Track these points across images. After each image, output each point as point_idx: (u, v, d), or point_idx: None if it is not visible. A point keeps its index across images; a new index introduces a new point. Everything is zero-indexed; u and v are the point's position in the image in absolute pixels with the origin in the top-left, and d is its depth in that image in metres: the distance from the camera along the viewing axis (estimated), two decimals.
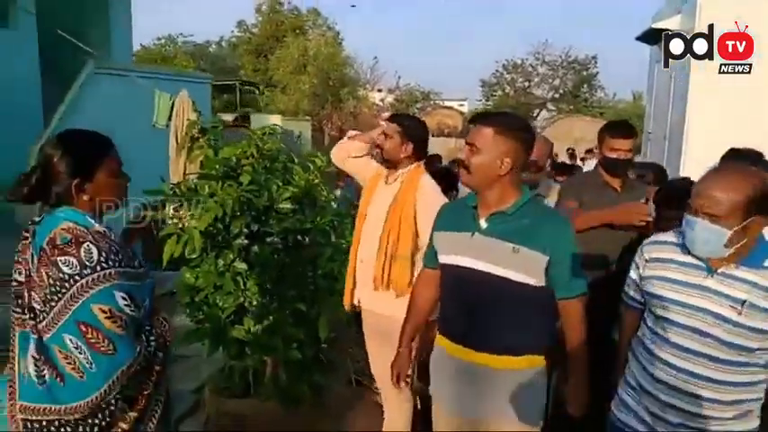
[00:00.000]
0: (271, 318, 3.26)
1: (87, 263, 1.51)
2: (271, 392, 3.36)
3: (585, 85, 31.75)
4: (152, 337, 1.67)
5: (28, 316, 1.55)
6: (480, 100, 34.19)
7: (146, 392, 1.66)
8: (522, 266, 1.89)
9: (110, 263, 1.54)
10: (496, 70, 32.65)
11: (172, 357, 1.77)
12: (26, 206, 1.73)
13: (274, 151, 3.51)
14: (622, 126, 2.97)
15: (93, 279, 1.51)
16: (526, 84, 32.41)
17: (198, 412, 3.45)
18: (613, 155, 2.86)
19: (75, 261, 1.50)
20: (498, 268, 1.91)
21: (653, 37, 9.35)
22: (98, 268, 1.52)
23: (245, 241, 3.30)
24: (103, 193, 1.66)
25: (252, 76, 25.21)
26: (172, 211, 3.28)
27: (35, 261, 1.55)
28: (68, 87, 4.09)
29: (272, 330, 3.23)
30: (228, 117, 14.33)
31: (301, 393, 3.30)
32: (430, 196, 2.60)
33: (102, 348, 1.50)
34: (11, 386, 1.62)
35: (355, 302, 2.83)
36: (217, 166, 3.35)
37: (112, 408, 1.59)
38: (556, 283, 1.93)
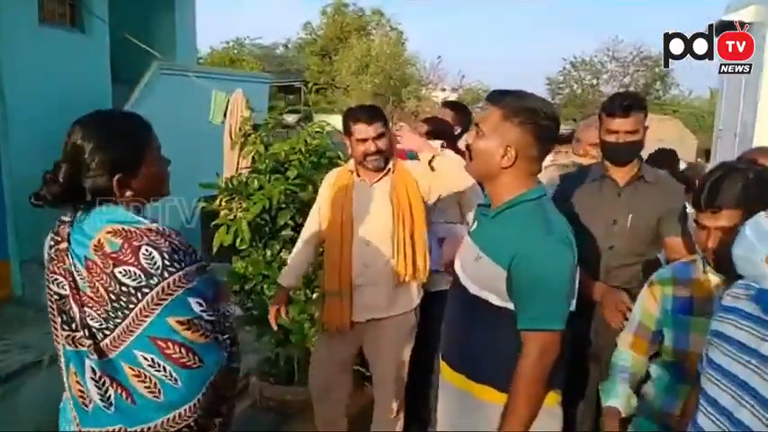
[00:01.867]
0: (314, 308, 3.34)
1: (151, 270, 1.28)
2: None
3: (658, 83, 30.39)
4: (224, 335, 1.42)
5: (81, 334, 1.33)
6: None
7: (229, 395, 1.47)
8: (480, 278, 1.60)
9: (175, 265, 1.31)
10: (563, 67, 31.82)
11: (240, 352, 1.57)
12: None
13: (321, 147, 3.64)
14: (620, 100, 2.31)
15: (162, 289, 1.29)
16: (594, 81, 31.38)
17: (244, 398, 3.63)
18: (611, 138, 2.27)
19: (136, 271, 1.27)
20: (464, 275, 1.67)
21: (726, 29, 8.89)
22: (165, 274, 1.29)
23: (292, 233, 3.44)
24: (148, 185, 1.42)
25: (317, 77, 25.71)
26: (223, 203, 3.48)
27: (83, 273, 1.31)
28: (135, 88, 4.39)
29: (314, 320, 3.33)
30: (293, 117, 14.70)
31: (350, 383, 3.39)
32: (425, 175, 2.56)
33: (188, 363, 1.30)
34: (70, 408, 1.42)
35: (361, 320, 2.59)
36: (266, 161, 3.53)
37: (199, 421, 1.37)
38: (515, 306, 1.56)
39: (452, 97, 28.44)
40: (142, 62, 4.82)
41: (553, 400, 1.65)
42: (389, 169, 2.58)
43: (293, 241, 3.48)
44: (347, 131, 2.55)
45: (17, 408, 3.18)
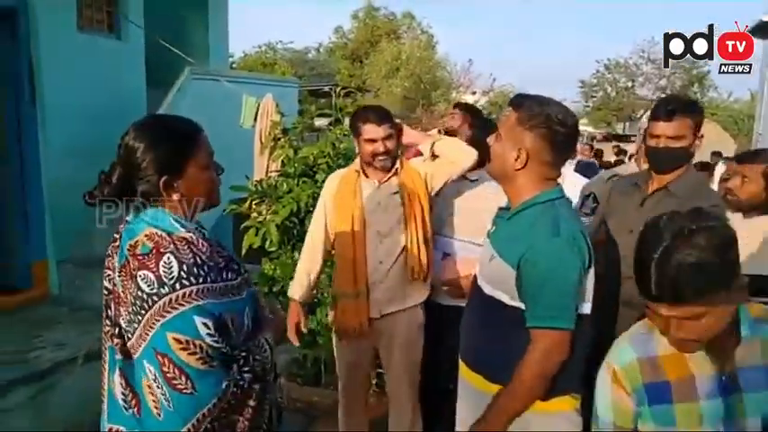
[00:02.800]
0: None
1: (165, 279, 1.26)
2: None
3: (696, 85, 29.67)
4: (246, 368, 1.36)
5: (114, 331, 1.36)
6: (578, 101, 32.86)
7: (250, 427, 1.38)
8: (493, 278, 1.66)
9: (191, 279, 1.28)
10: (597, 70, 31.35)
11: (275, 389, 1.51)
12: None
13: (349, 150, 3.65)
14: (665, 104, 2.17)
15: (169, 300, 1.26)
16: (629, 83, 30.84)
17: None
18: (652, 142, 2.15)
19: (152, 277, 1.27)
20: (480, 276, 1.73)
21: (766, 30, 8.63)
22: (177, 286, 1.26)
23: None
24: (196, 190, 1.41)
25: (347, 81, 25.84)
26: (253, 205, 3.52)
27: (120, 272, 1.33)
28: (169, 92, 4.48)
29: None
30: (324, 121, 14.80)
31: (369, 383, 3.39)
32: (425, 164, 2.62)
33: (179, 386, 1.25)
34: (102, 402, 1.43)
35: (375, 315, 2.58)
36: (295, 165, 3.56)
37: None
38: (524, 306, 1.59)
39: (483, 100, 28.28)
40: (176, 67, 4.92)
41: (570, 405, 1.64)
42: (396, 169, 2.58)
43: None
44: (356, 132, 2.56)
45: (51, 405, 3.26)
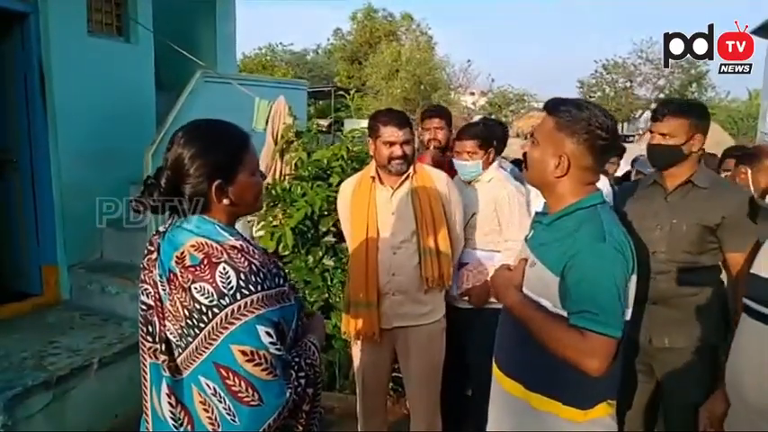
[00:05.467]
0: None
1: (225, 290, 1.22)
2: (354, 386, 3.48)
3: (694, 84, 29.72)
4: (301, 373, 1.33)
5: (159, 348, 1.29)
6: None
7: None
8: (534, 284, 1.63)
9: (251, 288, 1.24)
10: (595, 70, 31.39)
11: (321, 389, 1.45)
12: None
13: (363, 153, 3.64)
14: (661, 104, 2.29)
15: (232, 311, 1.22)
16: (628, 84, 30.87)
17: None
18: (653, 141, 2.25)
19: (210, 288, 1.22)
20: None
21: None
22: (237, 296, 1.22)
23: (333, 239, 3.45)
24: (245, 195, 1.38)
25: (346, 82, 25.86)
26: (267, 208, 3.50)
27: (166, 285, 1.28)
28: (178, 95, 4.47)
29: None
30: (323, 122, 14.81)
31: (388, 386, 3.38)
32: (444, 179, 2.63)
33: (246, 399, 1.21)
34: (146, 422, 1.38)
35: (388, 326, 2.57)
36: (309, 168, 3.55)
37: None
38: (568, 311, 1.54)
39: (482, 101, 28.32)
40: (183, 70, 4.91)
41: (605, 411, 1.62)
42: (409, 174, 2.55)
43: (335, 248, 3.50)
44: (374, 133, 2.52)
45: (68, 411, 3.25)
